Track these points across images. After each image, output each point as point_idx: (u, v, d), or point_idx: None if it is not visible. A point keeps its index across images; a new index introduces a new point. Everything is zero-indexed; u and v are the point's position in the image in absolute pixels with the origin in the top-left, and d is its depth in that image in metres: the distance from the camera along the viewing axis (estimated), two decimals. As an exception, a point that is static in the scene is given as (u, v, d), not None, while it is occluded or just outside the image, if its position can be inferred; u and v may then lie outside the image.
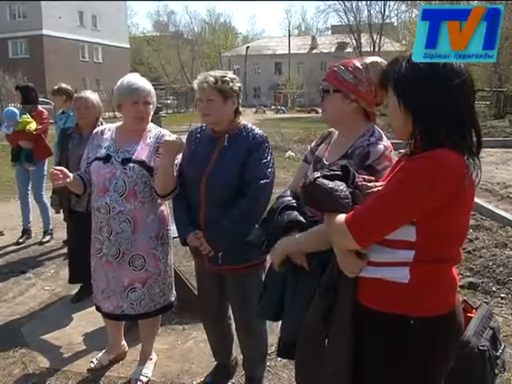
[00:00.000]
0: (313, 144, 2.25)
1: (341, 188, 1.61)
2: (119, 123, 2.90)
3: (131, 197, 2.71)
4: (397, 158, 1.78)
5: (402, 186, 1.49)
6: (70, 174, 2.71)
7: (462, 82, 1.51)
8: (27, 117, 5.66)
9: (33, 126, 5.61)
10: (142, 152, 2.74)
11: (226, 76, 2.52)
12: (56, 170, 2.66)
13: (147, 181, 2.73)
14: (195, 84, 2.55)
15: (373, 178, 1.73)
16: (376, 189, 1.63)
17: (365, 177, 1.71)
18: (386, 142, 1.95)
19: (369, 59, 1.97)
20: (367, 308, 1.64)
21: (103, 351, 3.26)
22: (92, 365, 3.16)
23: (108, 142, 2.81)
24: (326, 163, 2.01)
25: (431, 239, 1.54)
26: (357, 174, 1.69)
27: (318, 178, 1.64)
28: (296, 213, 1.99)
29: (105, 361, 3.21)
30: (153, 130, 2.84)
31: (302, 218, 1.97)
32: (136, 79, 2.74)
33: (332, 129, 2.16)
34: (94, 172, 2.76)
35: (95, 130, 2.94)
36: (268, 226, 2.04)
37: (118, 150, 2.75)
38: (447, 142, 1.49)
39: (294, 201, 2.06)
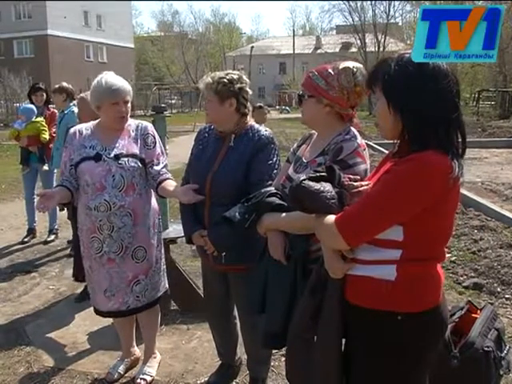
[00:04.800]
0: (295, 145, 2.35)
1: (327, 189, 1.63)
2: (95, 122, 2.87)
3: (130, 190, 2.73)
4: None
5: (390, 188, 1.53)
6: (55, 192, 2.70)
7: (449, 83, 1.54)
8: (42, 120, 5.69)
9: (46, 135, 5.66)
10: (130, 146, 2.77)
11: (224, 77, 2.49)
12: (41, 198, 2.61)
13: (141, 172, 2.77)
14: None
15: (358, 177, 1.79)
16: (362, 188, 1.67)
17: (350, 176, 1.74)
18: (359, 141, 2.04)
19: (341, 64, 2.04)
20: (355, 305, 1.67)
21: (117, 359, 3.21)
22: (110, 376, 3.07)
23: (91, 141, 2.78)
24: (305, 162, 2.13)
25: (418, 239, 1.58)
26: (342, 174, 1.72)
27: (304, 180, 1.65)
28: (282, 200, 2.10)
29: (121, 369, 3.14)
30: (132, 123, 2.85)
31: (287, 205, 2.06)
32: (114, 79, 2.73)
33: (312, 131, 2.26)
34: (86, 172, 2.73)
35: (71, 131, 2.87)
36: (252, 206, 2.10)
37: (105, 148, 2.75)
38: (434, 142, 1.52)
39: (279, 192, 2.14)
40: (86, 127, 2.86)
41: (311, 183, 1.64)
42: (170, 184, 2.75)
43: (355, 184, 1.69)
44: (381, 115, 1.64)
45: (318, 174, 1.69)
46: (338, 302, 1.70)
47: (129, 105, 2.77)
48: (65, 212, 4.63)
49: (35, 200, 5.97)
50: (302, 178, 1.66)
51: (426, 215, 1.53)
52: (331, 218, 1.59)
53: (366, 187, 1.66)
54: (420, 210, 1.52)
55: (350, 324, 1.70)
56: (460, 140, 1.59)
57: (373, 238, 1.59)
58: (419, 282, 1.62)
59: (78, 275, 4.23)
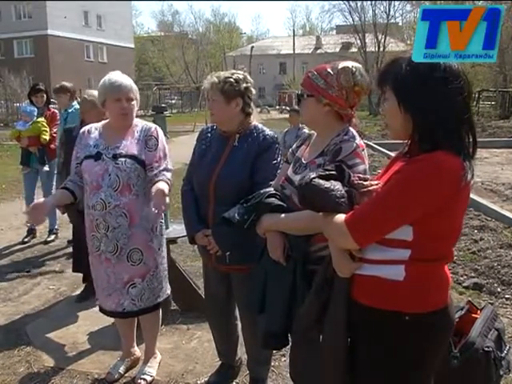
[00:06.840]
0: (294, 146, 2.35)
1: (336, 187, 1.63)
2: (105, 121, 2.91)
3: (126, 190, 2.72)
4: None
5: (401, 188, 1.53)
6: (46, 201, 2.77)
7: (461, 85, 1.55)
8: (43, 121, 5.70)
9: (47, 136, 5.66)
10: (131, 146, 2.77)
11: (230, 77, 2.50)
12: (30, 211, 2.70)
13: (140, 174, 2.75)
14: (204, 83, 2.58)
15: (368, 176, 1.79)
16: (372, 187, 1.66)
17: (360, 175, 1.75)
18: (358, 141, 2.04)
19: (341, 64, 2.04)
20: (362, 305, 1.67)
21: (117, 359, 3.21)
22: (111, 376, 3.07)
23: (96, 140, 2.82)
24: (304, 162, 2.12)
25: (427, 239, 1.57)
26: (352, 173, 1.72)
27: (314, 178, 1.65)
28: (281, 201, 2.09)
29: (122, 369, 3.14)
30: (139, 124, 2.87)
31: (286, 205, 2.06)
32: (118, 76, 2.76)
33: (312, 131, 2.26)
34: (85, 170, 2.77)
35: (82, 130, 2.94)
36: (251, 207, 2.09)
37: (107, 147, 2.77)
38: (445, 143, 1.52)
39: (278, 193, 2.13)
40: (95, 127, 2.91)
41: (321, 181, 1.64)
42: (156, 186, 2.59)
43: (365, 183, 1.68)
44: (391, 115, 1.65)
45: (327, 173, 1.69)
46: (344, 302, 1.70)
47: (133, 103, 2.77)
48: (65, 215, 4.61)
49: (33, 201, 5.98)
50: (312, 176, 1.66)
51: (435, 215, 1.53)
52: (341, 217, 1.59)
53: (375, 187, 1.66)
54: (430, 210, 1.52)
55: (356, 323, 1.70)
56: (471, 141, 1.59)
57: (382, 238, 1.58)
58: (428, 283, 1.62)
59: (76, 266, 4.23)
